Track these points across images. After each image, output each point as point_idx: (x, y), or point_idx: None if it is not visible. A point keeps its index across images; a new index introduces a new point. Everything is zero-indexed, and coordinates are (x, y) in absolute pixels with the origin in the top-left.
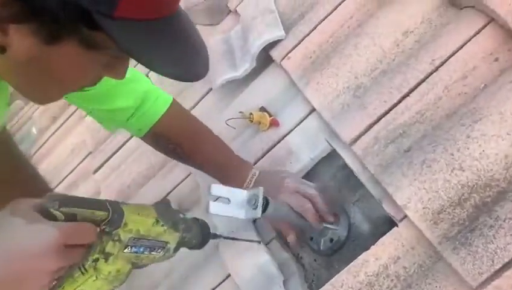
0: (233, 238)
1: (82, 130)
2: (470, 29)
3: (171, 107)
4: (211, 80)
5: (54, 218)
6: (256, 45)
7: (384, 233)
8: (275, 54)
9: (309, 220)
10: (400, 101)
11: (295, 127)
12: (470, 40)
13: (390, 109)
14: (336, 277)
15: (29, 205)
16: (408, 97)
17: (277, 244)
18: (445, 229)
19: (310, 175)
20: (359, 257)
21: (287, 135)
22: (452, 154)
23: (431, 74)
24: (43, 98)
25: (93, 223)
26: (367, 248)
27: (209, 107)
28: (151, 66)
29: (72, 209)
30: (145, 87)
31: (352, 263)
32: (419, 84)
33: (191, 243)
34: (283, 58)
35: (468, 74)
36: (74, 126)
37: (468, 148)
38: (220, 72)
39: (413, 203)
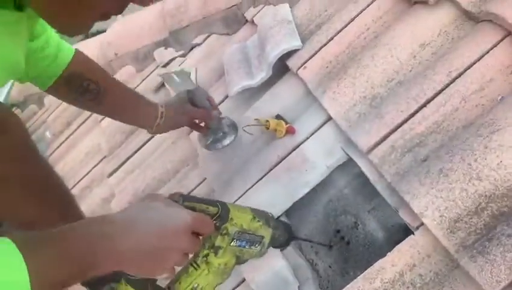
0: (309, 240)
1: (97, 134)
2: (486, 42)
3: (78, 52)
4: (227, 87)
5: None
6: (273, 54)
7: (399, 241)
8: (292, 63)
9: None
10: (417, 111)
11: (311, 135)
12: (487, 52)
13: (408, 119)
14: (351, 283)
15: (162, 197)
16: (425, 108)
17: (292, 251)
18: (462, 237)
19: (325, 183)
20: (375, 264)
21: (302, 142)
22: (470, 164)
23: (448, 85)
24: (71, 25)
25: None
26: (382, 255)
27: (225, 113)
28: None
29: (192, 203)
30: (57, 36)
31: (368, 270)
32: (436, 95)
33: (279, 241)
34: (299, 68)
35: (485, 86)
36: (89, 130)
37: (485, 159)
38: (237, 80)
39: (430, 211)
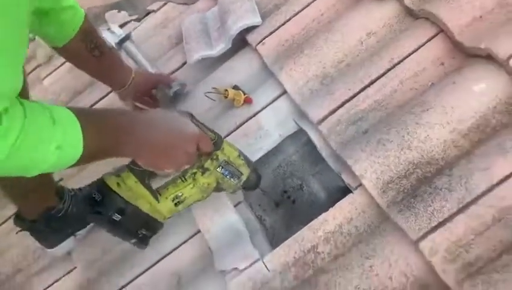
0: (267, 194)
1: (39, 92)
2: (423, 37)
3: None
4: (186, 55)
5: None
6: (234, 28)
7: (338, 200)
8: (251, 38)
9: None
10: (361, 91)
11: (267, 106)
12: (423, 45)
13: (353, 97)
14: (298, 232)
15: (180, 111)
16: (368, 88)
17: (243, 207)
18: (393, 195)
19: (277, 149)
20: (319, 217)
21: (258, 112)
22: (403, 136)
23: (389, 70)
24: None
25: None
26: (323, 211)
27: (184, 79)
28: None
29: (197, 123)
30: None
31: (312, 222)
32: (378, 78)
33: (250, 183)
34: (258, 43)
35: (419, 73)
36: (30, 88)
37: (416, 133)
38: (196, 49)
39: (368, 174)
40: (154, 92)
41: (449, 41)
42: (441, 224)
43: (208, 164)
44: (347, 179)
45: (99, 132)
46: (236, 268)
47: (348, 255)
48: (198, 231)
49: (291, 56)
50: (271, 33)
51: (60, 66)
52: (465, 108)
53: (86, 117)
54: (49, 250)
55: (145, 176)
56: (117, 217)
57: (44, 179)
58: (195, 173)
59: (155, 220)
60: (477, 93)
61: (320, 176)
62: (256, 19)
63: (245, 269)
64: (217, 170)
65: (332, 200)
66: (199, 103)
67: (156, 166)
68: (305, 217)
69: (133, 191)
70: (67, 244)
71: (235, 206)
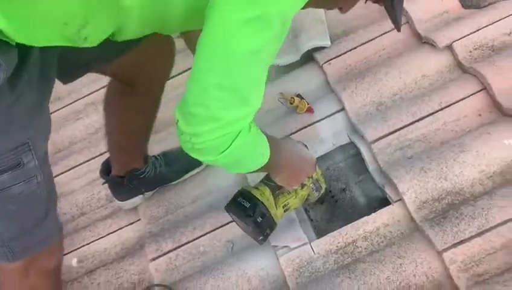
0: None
1: None
2: (469, 90)
3: None
4: None
5: None
6: (306, 45)
7: (375, 208)
8: (319, 57)
9: None
10: (412, 123)
11: (325, 118)
12: (467, 97)
13: (404, 127)
14: (342, 227)
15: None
16: (418, 122)
17: None
18: (426, 213)
19: (327, 155)
20: (362, 219)
21: (317, 122)
22: (442, 169)
23: (437, 111)
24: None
25: None
26: (361, 215)
27: None
28: None
29: None
30: None
31: (356, 221)
32: (428, 115)
33: (321, 196)
34: (325, 62)
35: (461, 118)
36: None
37: (452, 167)
38: None
39: (409, 193)
40: None
41: (489, 98)
42: (461, 242)
43: (305, 181)
44: (389, 192)
45: (270, 150)
46: (287, 246)
47: (382, 253)
48: None
49: (354, 80)
50: (337, 56)
51: None
52: (494, 155)
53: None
54: (120, 202)
55: (275, 190)
56: (259, 219)
57: (140, 145)
58: (296, 188)
59: (275, 222)
60: (506, 145)
61: (362, 185)
62: (326, 42)
63: (295, 248)
64: (311, 185)
65: (370, 206)
66: (266, 103)
67: (288, 183)
68: (345, 216)
69: (269, 201)
70: (136, 200)
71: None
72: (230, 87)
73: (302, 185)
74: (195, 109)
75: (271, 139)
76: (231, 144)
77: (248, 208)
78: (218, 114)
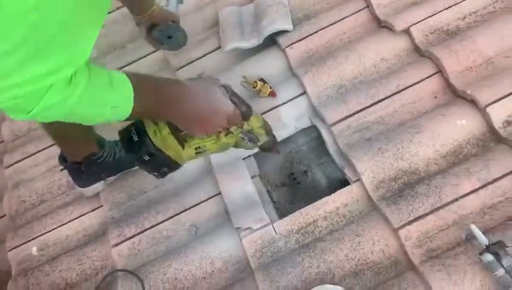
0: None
1: None
2: (424, 72)
3: None
4: (221, 41)
5: None
6: (268, 29)
7: (335, 189)
8: (281, 40)
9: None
10: (370, 106)
11: (288, 102)
12: (423, 80)
13: (363, 109)
14: (303, 208)
15: (219, 83)
16: (376, 105)
17: (258, 181)
18: (383, 192)
19: (290, 139)
20: (322, 199)
21: (280, 105)
22: (398, 149)
23: (395, 94)
24: None
25: None
26: (323, 197)
27: (216, 62)
28: None
29: (235, 99)
30: None
31: (316, 202)
32: (386, 98)
33: (265, 147)
34: (287, 46)
35: (416, 101)
36: None
37: (408, 148)
38: (230, 38)
39: (367, 173)
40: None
41: (444, 81)
42: (416, 219)
43: (232, 128)
44: (348, 173)
45: (146, 96)
46: (250, 228)
47: (342, 231)
48: (218, 194)
49: (315, 64)
50: (299, 40)
51: None
52: (447, 136)
53: (137, 82)
54: (80, 189)
55: (179, 129)
56: (146, 158)
57: (85, 129)
58: (219, 132)
59: (175, 162)
60: (459, 126)
61: (324, 167)
62: (288, 25)
63: (257, 229)
64: (239, 134)
65: (331, 187)
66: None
67: (190, 132)
68: (307, 197)
69: (165, 140)
70: (98, 186)
71: (252, 178)
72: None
73: (227, 132)
74: None
75: (165, 85)
76: (39, 102)
77: (135, 143)
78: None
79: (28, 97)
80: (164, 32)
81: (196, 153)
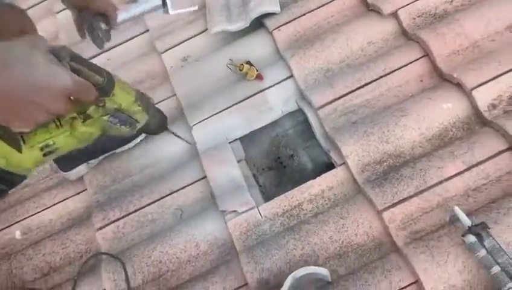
0: (177, 136)
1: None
2: (411, 56)
3: None
4: (207, 24)
5: None
6: (256, 11)
7: (321, 172)
8: (269, 23)
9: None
10: (357, 89)
11: (274, 85)
12: (410, 63)
13: (349, 93)
14: (289, 191)
15: (46, 46)
16: (362, 88)
17: (244, 165)
18: (368, 175)
19: (276, 122)
20: (307, 182)
21: (266, 88)
22: (383, 132)
23: (381, 77)
24: None
25: None
26: (308, 179)
27: (202, 45)
28: None
29: (79, 66)
30: None
31: (301, 185)
32: (372, 81)
33: (151, 129)
34: (275, 29)
35: (403, 84)
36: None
37: (394, 131)
38: (217, 21)
39: (352, 156)
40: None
41: (431, 64)
42: (400, 202)
43: (91, 110)
44: (334, 157)
45: None
46: (235, 211)
47: (326, 214)
48: (203, 177)
49: (302, 47)
50: (287, 22)
51: None
52: (433, 119)
53: None
54: (64, 173)
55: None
56: None
57: None
58: (74, 119)
59: (12, 174)
60: (445, 109)
61: (310, 151)
62: (276, 8)
63: (242, 213)
64: (104, 118)
65: (317, 171)
66: (215, 70)
67: (4, 122)
68: (293, 181)
69: None
70: (81, 169)
71: (238, 162)
72: None
73: (86, 117)
74: None
75: None
76: None
77: None
78: None
79: None
80: (87, 22)
81: (44, 154)
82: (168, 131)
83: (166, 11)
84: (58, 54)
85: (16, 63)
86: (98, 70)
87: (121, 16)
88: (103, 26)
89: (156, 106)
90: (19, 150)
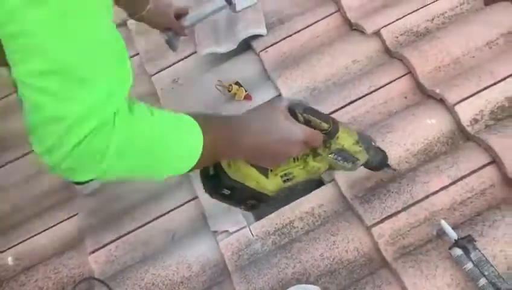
0: (393, 169)
1: None
2: (395, 74)
3: None
4: (196, 46)
5: (296, 118)
6: (243, 33)
7: (311, 190)
8: (256, 44)
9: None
10: (342, 107)
11: None
12: (394, 80)
13: (336, 111)
14: (280, 209)
15: (284, 105)
16: (348, 106)
17: None
18: (357, 191)
19: None
20: (297, 200)
21: None
22: None
23: (366, 95)
24: None
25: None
26: (298, 197)
27: (192, 67)
28: None
29: (309, 116)
30: None
31: (292, 203)
32: (357, 99)
33: (371, 165)
34: (262, 50)
35: (388, 101)
36: None
37: (380, 147)
38: (207, 44)
39: (341, 172)
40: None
41: (414, 81)
42: (388, 217)
43: (320, 149)
44: (323, 174)
45: (213, 141)
46: (226, 231)
47: (317, 231)
48: (194, 198)
49: (289, 67)
50: (273, 44)
51: None
52: (418, 135)
53: (205, 124)
54: (78, 186)
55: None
56: (226, 191)
57: None
58: (307, 156)
59: (261, 193)
60: (429, 125)
61: None
62: (262, 30)
63: (234, 232)
64: (329, 156)
65: (306, 188)
66: (205, 91)
67: (261, 165)
68: (283, 199)
69: (241, 171)
70: (94, 183)
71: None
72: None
73: (315, 154)
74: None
75: (220, 124)
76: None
77: (211, 177)
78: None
79: (92, 138)
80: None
81: (284, 181)
82: (389, 168)
83: (234, 9)
84: (295, 107)
85: (267, 123)
86: (325, 118)
87: (188, 21)
88: (172, 35)
89: (377, 145)
90: (266, 176)
